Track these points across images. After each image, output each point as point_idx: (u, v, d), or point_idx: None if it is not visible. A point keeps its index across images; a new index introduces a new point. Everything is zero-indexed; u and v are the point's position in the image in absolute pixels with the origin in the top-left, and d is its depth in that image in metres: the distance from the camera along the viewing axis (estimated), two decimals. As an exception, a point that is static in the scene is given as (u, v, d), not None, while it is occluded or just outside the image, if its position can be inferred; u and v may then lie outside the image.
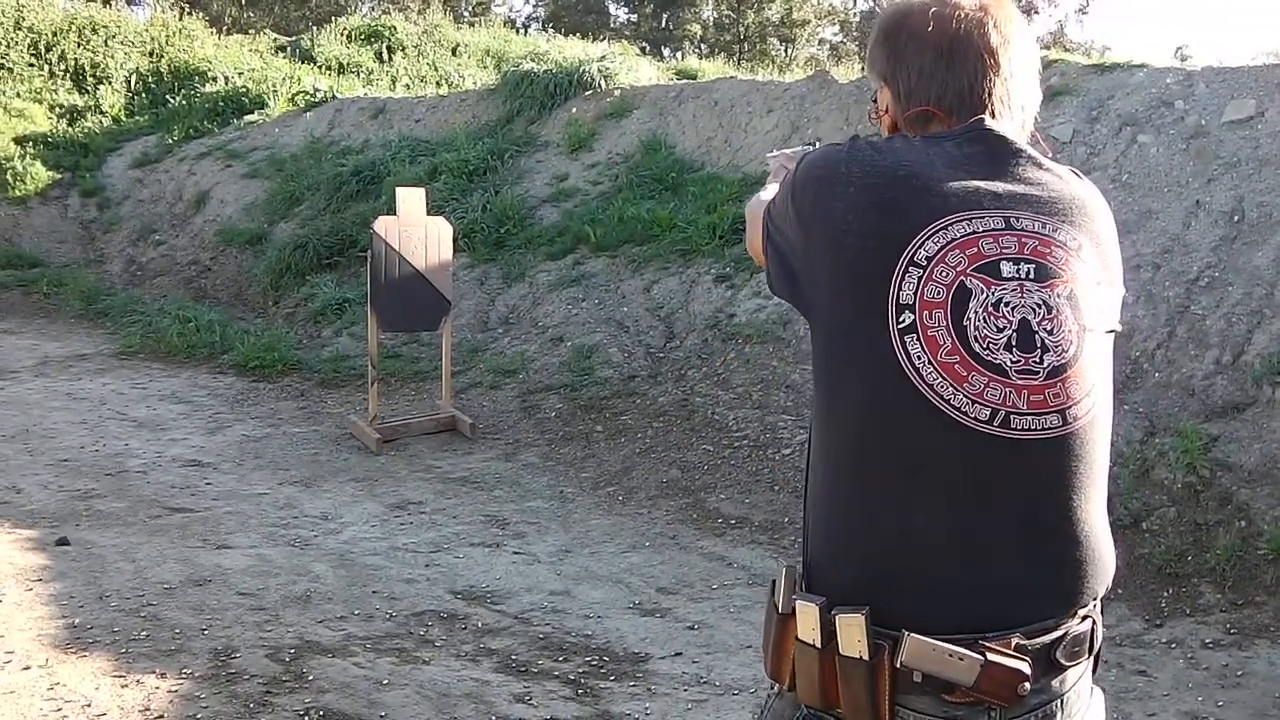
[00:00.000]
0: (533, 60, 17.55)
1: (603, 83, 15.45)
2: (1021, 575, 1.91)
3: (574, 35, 26.27)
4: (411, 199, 9.82)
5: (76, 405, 10.32)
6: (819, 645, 1.92)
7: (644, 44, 41.04)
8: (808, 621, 1.94)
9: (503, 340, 11.40)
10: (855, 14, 54.01)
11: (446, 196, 13.82)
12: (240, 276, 15.31)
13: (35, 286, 15.53)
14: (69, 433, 9.37)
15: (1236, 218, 8.27)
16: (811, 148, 2.52)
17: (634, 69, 16.66)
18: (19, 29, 21.43)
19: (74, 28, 22.08)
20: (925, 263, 1.91)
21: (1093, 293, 1.99)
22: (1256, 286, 7.73)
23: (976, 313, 1.90)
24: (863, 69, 2.27)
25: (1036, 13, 52.64)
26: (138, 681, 5.07)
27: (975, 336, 1.89)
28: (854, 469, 1.96)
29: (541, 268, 12.29)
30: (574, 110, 15.03)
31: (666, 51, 46.51)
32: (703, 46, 50.54)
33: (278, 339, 12.49)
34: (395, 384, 10.88)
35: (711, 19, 55.43)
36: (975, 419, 1.87)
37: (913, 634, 1.84)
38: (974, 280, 1.91)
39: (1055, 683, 1.94)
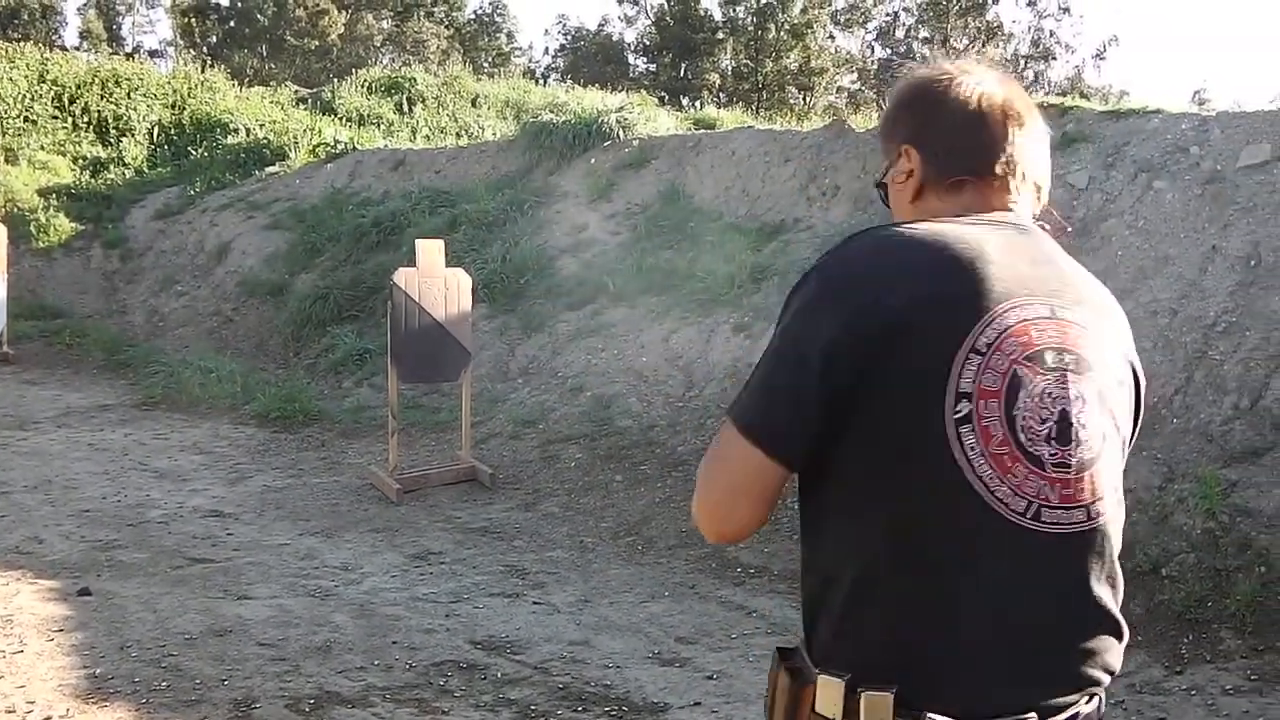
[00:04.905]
0: (552, 111, 17.69)
1: (621, 133, 15.52)
2: (1040, 661, 1.94)
3: (593, 86, 26.46)
4: (431, 250, 9.87)
5: (98, 456, 10.37)
6: None
7: (663, 94, 41.27)
8: (830, 696, 1.94)
9: (522, 390, 11.43)
10: (873, 62, 54.30)
11: (466, 247, 13.89)
12: (261, 327, 15.39)
13: (58, 337, 15.64)
14: (91, 483, 9.41)
15: (1253, 262, 8.28)
16: None
17: (652, 119, 16.73)
18: (43, 82, 21.68)
19: (97, 80, 22.33)
20: (985, 350, 1.90)
21: (1114, 389, 2.03)
22: (1274, 331, 7.73)
23: (1025, 403, 1.91)
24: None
25: (1054, 59, 52.85)
26: (159, 732, 5.09)
27: (1022, 427, 1.91)
28: (892, 555, 1.93)
29: (561, 318, 12.34)
30: (593, 161, 15.10)
31: (685, 101, 46.72)
32: (721, 95, 50.82)
33: (299, 390, 12.54)
34: (416, 434, 10.90)
35: (730, 68, 55.72)
36: (1014, 511, 1.89)
37: (932, 714, 1.86)
38: (1024, 369, 1.92)
39: None
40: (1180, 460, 7.31)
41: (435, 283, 9.72)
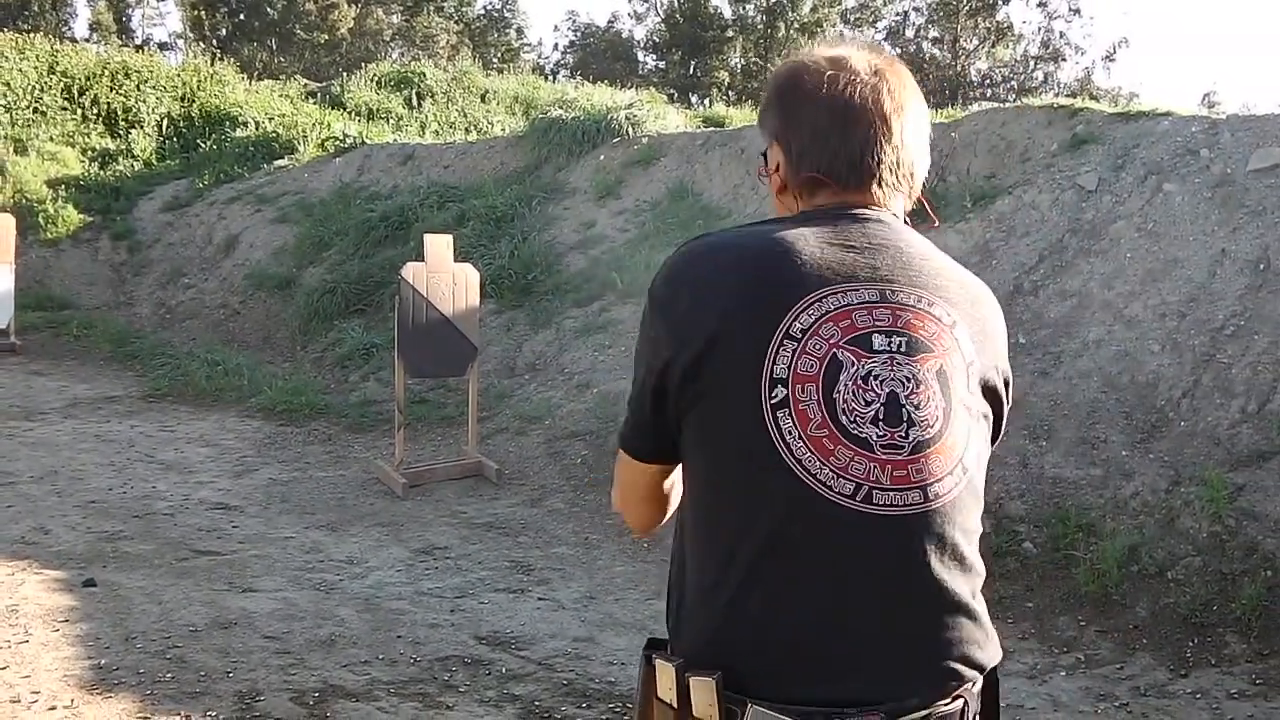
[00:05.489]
0: (561, 107, 17.64)
1: (630, 130, 15.52)
2: (883, 652, 1.89)
3: (602, 82, 26.43)
4: (439, 245, 9.86)
5: (105, 447, 10.37)
6: (675, 705, 1.94)
7: (672, 91, 41.25)
8: (665, 681, 1.97)
9: (529, 386, 11.43)
10: (883, 61, 54.12)
11: (474, 243, 13.89)
12: (269, 320, 15.39)
13: (65, 328, 15.62)
14: (97, 474, 9.41)
15: (1262, 266, 8.27)
16: None
17: (661, 116, 16.73)
18: (53, 73, 21.67)
19: (107, 72, 22.32)
20: (800, 335, 1.92)
21: (963, 369, 2.00)
22: (1283, 336, 7.73)
23: (846, 385, 1.91)
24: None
25: (1064, 60, 52.78)
26: (163, 724, 5.09)
27: (844, 410, 1.90)
28: (719, 538, 1.97)
29: (568, 314, 12.34)
30: (601, 157, 15.10)
31: (694, 98, 46.74)
32: (730, 93, 50.76)
33: (305, 383, 12.55)
34: (422, 429, 10.90)
35: (739, 66, 55.70)
36: (839, 494, 1.87)
37: (755, 703, 1.85)
38: (845, 353, 1.92)
39: None
40: (1187, 463, 7.31)
41: (443, 277, 9.71)
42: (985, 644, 1.99)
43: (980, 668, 1.98)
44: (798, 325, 1.92)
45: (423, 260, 9.75)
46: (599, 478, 9.28)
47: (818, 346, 1.91)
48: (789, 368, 1.90)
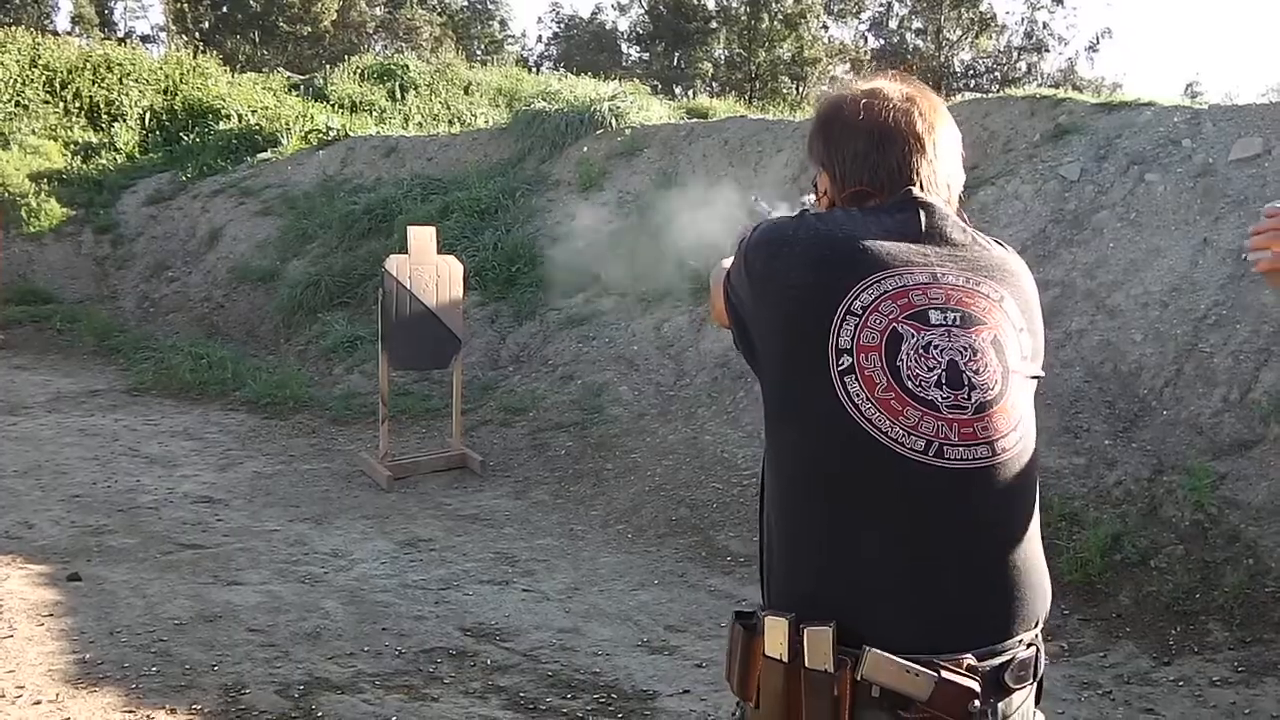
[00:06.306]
0: (544, 99, 17.63)
1: (614, 121, 15.50)
2: (967, 599, 2.06)
3: (585, 74, 26.36)
4: (423, 237, 9.86)
5: (89, 441, 10.35)
6: (785, 660, 2.06)
7: (655, 82, 41.13)
8: (776, 636, 2.08)
9: (513, 378, 11.43)
10: (866, 52, 54.17)
11: (458, 235, 13.85)
12: (253, 313, 15.35)
13: (49, 322, 15.57)
14: (81, 468, 9.39)
15: (1244, 255, 8.28)
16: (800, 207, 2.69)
17: (645, 108, 16.71)
18: (35, 66, 21.55)
19: (89, 65, 22.20)
20: (861, 311, 2.13)
21: (1015, 338, 2.22)
22: (1264, 324, 7.75)
23: (908, 354, 2.11)
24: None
25: (1047, 51, 52.79)
26: (148, 717, 5.08)
27: (908, 375, 2.10)
28: (804, 497, 2.14)
29: (552, 306, 12.34)
30: (585, 149, 15.07)
31: (678, 90, 46.65)
32: (714, 85, 50.80)
33: (289, 376, 12.53)
34: (406, 421, 10.89)
35: (723, 57, 55.68)
36: (912, 449, 2.07)
37: (873, 649, 1.97)
38: (905, 326, 2.13)
39: (1002, 705, 2.07)
40: (1170, 452, 7.33)
41: (427, 270, 9.71)
42: (1047, 593, 2.20)
43: (1045, 609, 2.18)
44: (858, 303, 2.13)
45: (406, 253, 9.74)
46: (583, 469, 9.29)
47: (878, 321, 2.12)
48: (852, 339, 2.11)
